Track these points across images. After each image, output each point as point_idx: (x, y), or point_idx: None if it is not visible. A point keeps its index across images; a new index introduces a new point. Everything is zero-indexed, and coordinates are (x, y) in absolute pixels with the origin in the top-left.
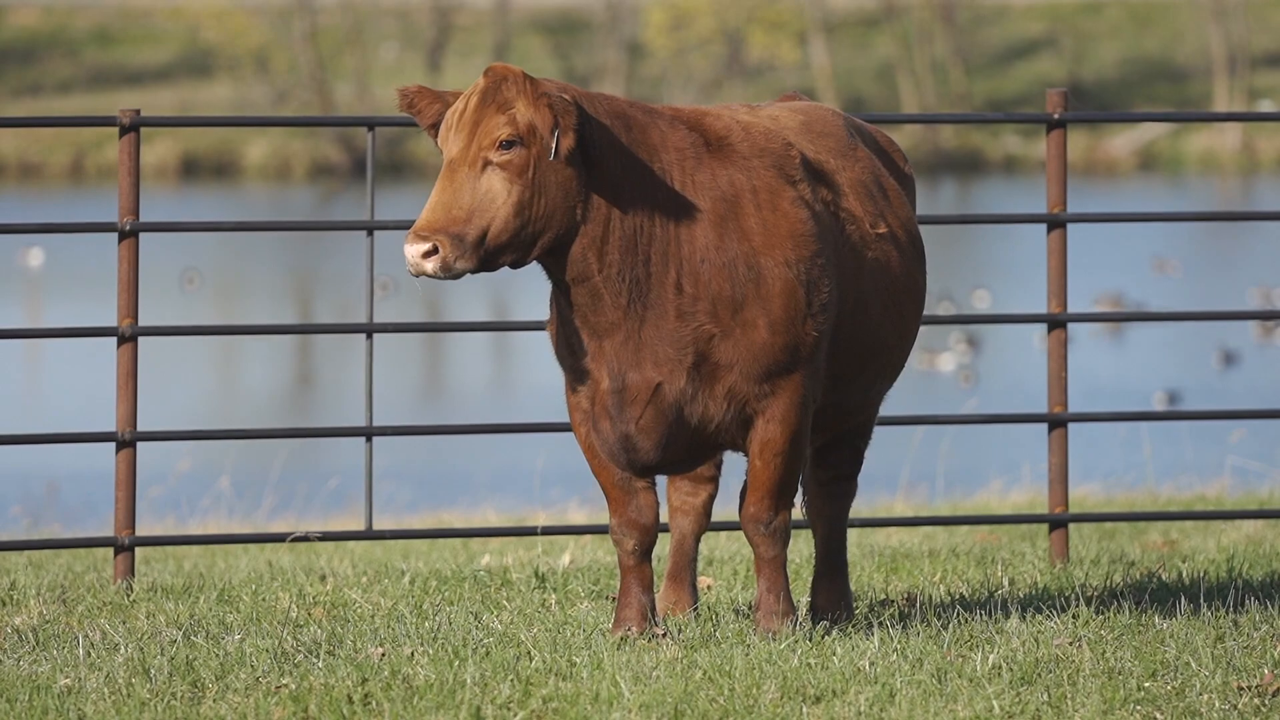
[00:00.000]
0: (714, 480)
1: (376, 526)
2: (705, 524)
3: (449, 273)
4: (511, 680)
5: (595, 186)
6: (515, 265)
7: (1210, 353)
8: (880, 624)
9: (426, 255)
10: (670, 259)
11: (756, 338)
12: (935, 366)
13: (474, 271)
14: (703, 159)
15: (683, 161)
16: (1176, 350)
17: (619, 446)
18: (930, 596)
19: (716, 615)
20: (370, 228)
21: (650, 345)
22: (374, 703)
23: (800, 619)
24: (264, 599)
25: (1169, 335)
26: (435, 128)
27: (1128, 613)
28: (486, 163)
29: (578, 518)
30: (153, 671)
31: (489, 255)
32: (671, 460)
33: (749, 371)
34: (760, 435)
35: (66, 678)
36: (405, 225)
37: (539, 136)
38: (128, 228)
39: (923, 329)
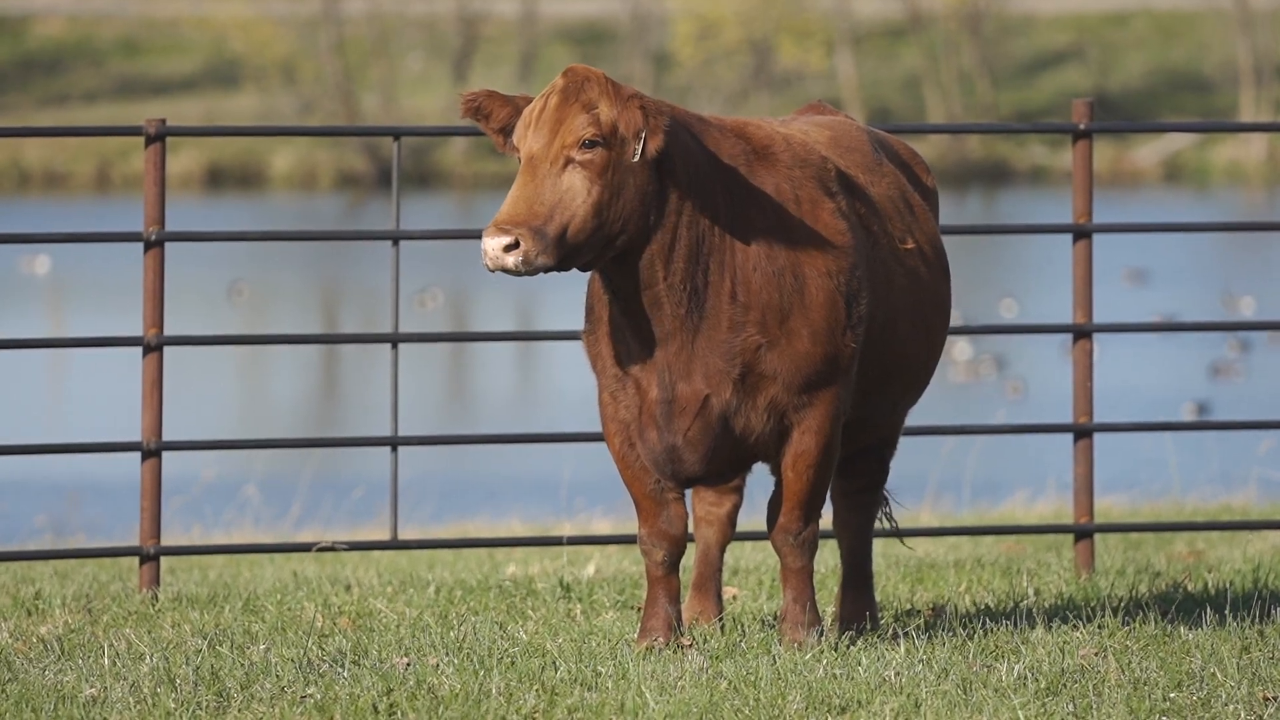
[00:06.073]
0: (739, 490)
1: (402, 536)
2: (730, 534)
3: (529, 267)
4: (537, 690)
5: (666, 193)
6: (586, 268)
7: (1226, 362)
8: (906, 634)
9: (508, 249)
10: (726, 268)
11: (799, 348)
12: (978, 377)
13: (552, 269)
14: (753, 168)
15: (735, 170)
16: (1196, 361)
17: (665, 458)
18: (956, 607)
19: (742, 626)
20: (396, 238)
21: (702, 356)
22: (399, 712)
23: (826, 629)
24: (289, 609)
25: (1180, 346)
26: (502, 131)
27: (1153, 623)
28: (568, 160)
29: (603, 527)
30: (178, 681)
31: (568, 253)
32: (713, 472)
33: (790, 383)
34: (795, 447)
35: (92, 687)
36: (430, 236)
37: (620, 138)
38: (153, 237)
39: (961, 340)
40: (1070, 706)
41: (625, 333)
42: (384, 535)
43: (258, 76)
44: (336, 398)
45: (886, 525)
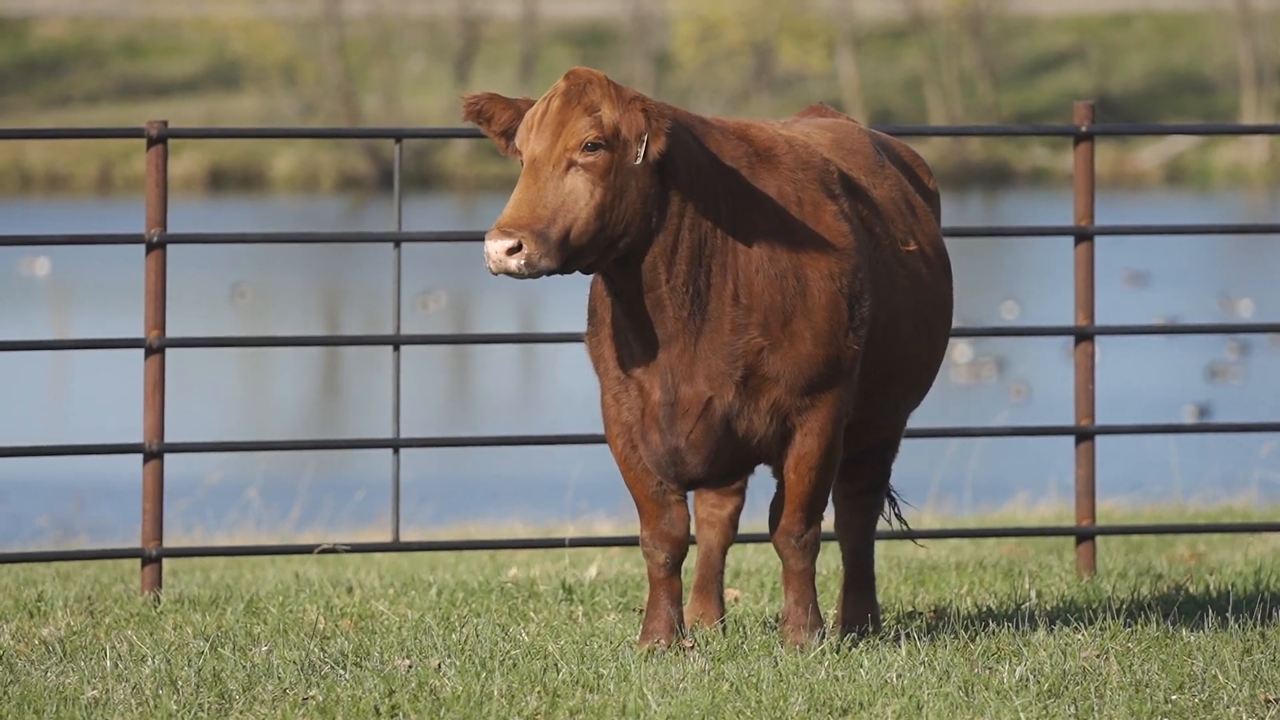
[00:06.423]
0: (741, 493)
1: (403, 538)
2: (732, 536)
3: (532, 270)
4: (539, 692)
5: (668, 195)
6: (588, 270)
7: (1224, 364)
8: (907, 636)
9: (511, 252)
10: (728, 270)
11: (802, 350)
12: (979, 380)
13: (555, 272)
14: (755, 170)
15: (737, 172)
16: (1196, 363)
17: (667, 460)
18: (957, 609)
19: (743, 627)
20: (397, 239)
21: (704, 358)
22: (401, 714)
23: (827, 631)
24: (291, 610)
25: (1181, 349)
26: (505, 135)
27: (1155, 625)
28: (571, 163)
29: (605, 529)
30: (180, 683)
31: (571, 256)
32: (715, 474)
33: (793, 385)
34: (797, 449)
35: (94, 689)
36: (432, 238)
37: (622, 140)
38: (155, 239)
39: (962, 343)
40: (1072, 708)
41: (628, 335)
42: (386, 537)
43: (259, 78)
44: (338, 400)
45: (897, 525)
